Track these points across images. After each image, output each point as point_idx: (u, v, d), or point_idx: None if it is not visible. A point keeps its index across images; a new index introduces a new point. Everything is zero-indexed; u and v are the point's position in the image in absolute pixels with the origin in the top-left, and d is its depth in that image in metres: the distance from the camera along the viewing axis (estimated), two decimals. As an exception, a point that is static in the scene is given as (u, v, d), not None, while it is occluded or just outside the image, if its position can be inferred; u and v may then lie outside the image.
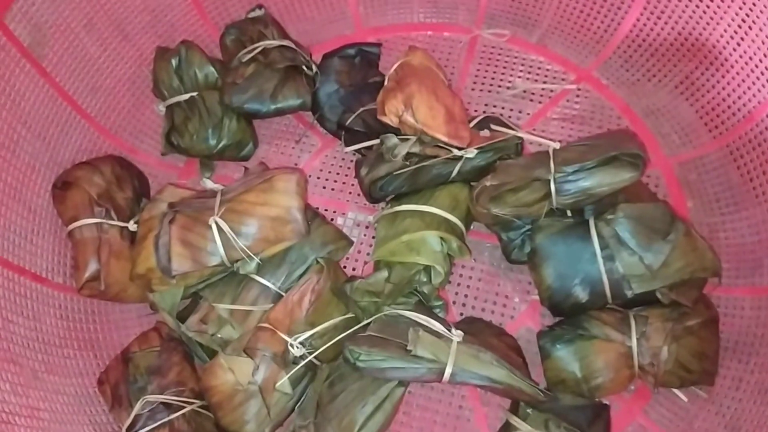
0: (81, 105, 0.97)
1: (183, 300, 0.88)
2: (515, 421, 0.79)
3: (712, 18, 0.92)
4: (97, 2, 0.95)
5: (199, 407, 0.82)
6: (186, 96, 1.00)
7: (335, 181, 1.04)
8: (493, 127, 0.92)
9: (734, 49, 0.90)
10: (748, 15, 0.87)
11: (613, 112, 1.05)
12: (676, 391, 0.83)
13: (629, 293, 0.79)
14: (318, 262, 0.88)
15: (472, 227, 0.94)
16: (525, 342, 0.88)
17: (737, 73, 0.91)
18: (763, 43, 0.85)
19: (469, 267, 0.96)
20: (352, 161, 1.04)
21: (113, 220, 0.88)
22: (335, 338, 0.81)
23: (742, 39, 0.89)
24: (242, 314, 0.85)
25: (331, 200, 1.03)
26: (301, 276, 0.88)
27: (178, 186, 0.93)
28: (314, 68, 1.05)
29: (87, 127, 0.98)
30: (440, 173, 0.89)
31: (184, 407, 0.80)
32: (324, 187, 1.04)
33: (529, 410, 0.79)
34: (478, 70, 1.11)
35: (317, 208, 0.99)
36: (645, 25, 1.01)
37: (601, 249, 0.80)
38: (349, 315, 0.85)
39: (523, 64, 1.11)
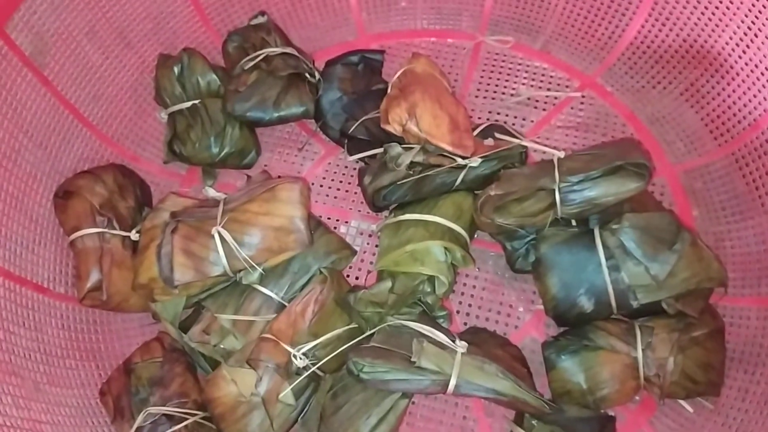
0: (83, 113, 0.96)
1: (185, 310, 0.87)
2: (520, 432, 0.78)
3: (717, 25, 0.91)
4: (99, 10, 0.95)
5: (202, 419, 0.81)
6: (188, 104, 1.00)
7: (338, 189, 1.04)
8: (497, 135, 0.92)
9: (740, 57, 0.90)
10: (753, 22, 0.86)
11: (618, 120, 1.05)
12: (682, 402, 0.82)
13: (635, 304, 0.79)
14: (321, 272, 0.87)
15: (475, 236, 0.93)
16: (529, 352, 0.88)
17: (743, 81, 0.90)
18: (769, 50, 0.85)
19: (473, 276, 0.95)
20: (355, 169, 1.04)
21: (115, 229, 0.88)
22: (339, 349, 0.81)
23: (747, 46, 0.88)
24: (245, 325, 0.85)
25: (334, 208, 1.02)
26: (304, 286, 0.87)
27: (181, 194, 0.93)
28: (317, 75, 1.04)
29: (89, 135, 0.97)
30: (444, 182, 0.88)
31: (186, 419, 0.79)
32: (327, 195, 1.03)
33: (534, 422, 0.79)
34: (482, 76, 1.11)
35: (320, 217, 0.98)
36: (650, 31, 1.00)
37: (607, 259, 0.80)
38: (353, 325, 0.84)
39: (527, 71, 1.11)
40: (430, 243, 0.84)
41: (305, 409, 0.83)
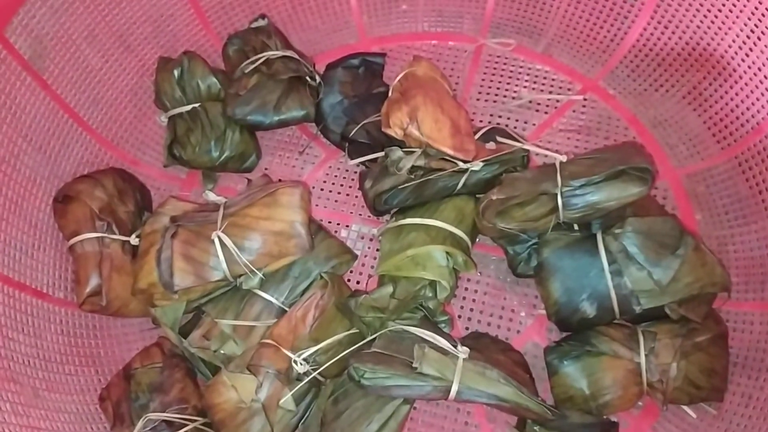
0: (82, 117, 0.96)
1: (185, 315, 0.87)
2: (522, 438, 0.78)
3: (720, 28, 0.91)
4: (98, 13, 0.95)
5: (202, 425, 0.81)
6: (188, 107, 0.99)
7: (339, 193, 1.03)
8: (499, 139, 0.91)
9: (743, 60, 0.90)
10: (756, 26, 0.86)
11: (620, 123, 1.04)
12: (685, 408, 0.82)
13: (638, 309, 0.78)
14: (322, 277, 0.87)
15: (477, 240, 0.93)
16: (531, 357, 0.87)
17: (745, 84, 0.90)
18: (772, 54, 0.85)
19: (475, 281, 0.95)
20: (356, 172, 1.04)
21: (115, 234, 0.88)
22: (340, 354, 0.80)
23: (750, 50, 0.88)
24: (245, 330, 0.84)
25: (335, 212, 1.02)
26: (304, 291, 0.87)
27: (180, 199, 0.92)
28: (318, 79, 1.04)
29: (88, 139, 0.97)
30: (445, 186, 0.88)
31: (186, 425, 0.79)
32: (328, 199, 1.03)
33: (536, 428, 0.79)
34: (483, 79, 1.10)
35: (321, 221, 0.98)
36: (652, 34, 1.00)
37: (609, 264, 0.79)
38: (354, 331, 0.84)
39: (528, 74, 1.10)
40: (431, 247, 0.83)
41: (306, 415, 0.82)
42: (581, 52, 1.09)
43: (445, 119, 0.88)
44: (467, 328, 0.92)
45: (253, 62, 1.00)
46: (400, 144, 0.90)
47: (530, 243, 0.87)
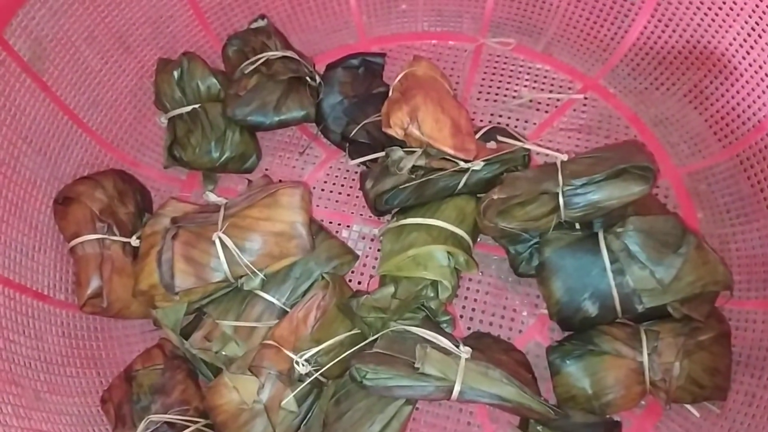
0: (82, 118, 0.96)
1: (186, 316, 0.87)
2: (525, 438, 0.78)
3: (720, 26, 0.91)
4: (98, 15, 0.95)
5: (204, 426, 0.80)
6: (188, 108, 0.99)
7: (340, 193, 1.03)
8: (499, 138, 0.91)
9: (743, 58, 0.89)
10: (758, 23, 0.86)
11: (621, 122, 1.04)
12: (688, 406, 0.81)
13: (640, 308, 0.78)
14: (323, 277, 0.87)
15: (478, 240, 0.93)
16: (534, 357, 0.87)
17: (746, 82, 0.90)
18: (773, 52, 0.85)
19: (476, 280, 0.94)
20: (356, 173, 1.03)
21: (115, 235, 0.87)
22: (341, 355, 0.80)
23: (751, 47, 0.88)
24: (247, 331, 0.84)
25: (336, 212, 1.02)
26: (306, 291, 0.87)
27: (181, 200, 0.92)
28: (318, 79, 1.04)
29: (88, 140, 0.97)
30: (446, 186, 0.88)
31: (188, 426, 0.79)
32: (328, 200, 1.03)
33: (539, 427, 0.79)
34: (483, 79, 1.10)
35: (321, 221, 0.98)
36: (653, 33, 1.00)
37: (611, 263, 0.79)
38: (355, 331, 0.83)
39: (528, 73, 1.10)
40: (432, 247, 0.83)
41: (308, 416, 0.82)
42: (581, 51, 1.09)
43: (446, 119, 0.88)
44: (469, 328, 0.92)
45: (252, 63, 1.00)
46: (401, 144, 0.89)
47: (532, 242, 0.87)
